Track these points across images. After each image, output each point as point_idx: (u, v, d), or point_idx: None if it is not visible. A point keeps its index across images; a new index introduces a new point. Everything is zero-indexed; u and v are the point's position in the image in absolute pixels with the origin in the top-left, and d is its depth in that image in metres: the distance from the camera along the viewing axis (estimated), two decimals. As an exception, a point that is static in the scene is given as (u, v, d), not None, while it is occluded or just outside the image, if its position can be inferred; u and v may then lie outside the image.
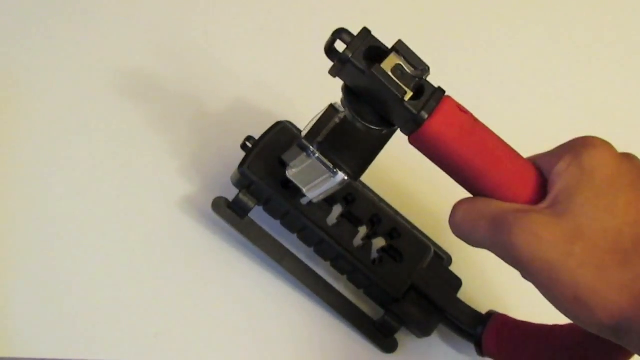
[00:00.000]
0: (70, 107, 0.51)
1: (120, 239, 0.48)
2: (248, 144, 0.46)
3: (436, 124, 0.34)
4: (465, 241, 0.36)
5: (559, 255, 0.31)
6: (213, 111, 0.53)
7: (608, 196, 0.32)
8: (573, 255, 0.31)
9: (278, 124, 0.47)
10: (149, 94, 0.53)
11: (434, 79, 0.35)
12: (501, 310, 0.47)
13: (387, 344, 0.48)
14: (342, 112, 0.39)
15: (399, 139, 0.38)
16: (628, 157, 0.35)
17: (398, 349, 0.48)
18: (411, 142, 0.36)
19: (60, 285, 0.46)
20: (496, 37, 0.61)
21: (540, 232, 0.32)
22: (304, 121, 0.41)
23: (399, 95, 0.34)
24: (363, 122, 0.37)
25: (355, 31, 0.35)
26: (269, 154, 0.45)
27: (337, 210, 0.48)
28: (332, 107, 0.40)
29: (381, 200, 0.50)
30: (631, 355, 0.38)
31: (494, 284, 0.51)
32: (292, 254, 0.48)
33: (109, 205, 0.49)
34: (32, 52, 0.53)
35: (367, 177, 0.50)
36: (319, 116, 0.40)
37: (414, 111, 0.34)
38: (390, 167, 0.51)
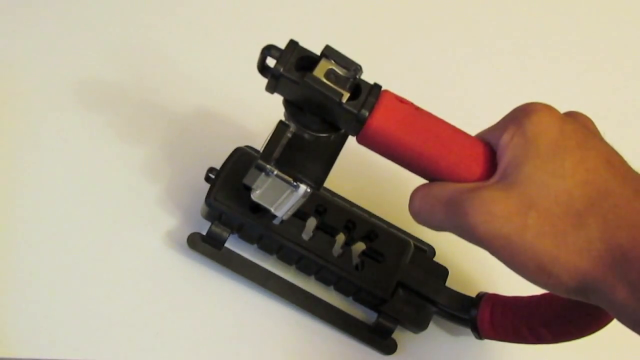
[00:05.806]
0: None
1: (112, 276, 0.48)
2: (211, 175, 0.46)
3: (378, 119, 0.35)
4: (427, 227, 0.36)
5: (514, 229, 0.31)
6: (175, 143, 0.52)
7: (555, 160, 0.32)
8: (528, 226, 0.31)
9: (237, 150, 0.47)
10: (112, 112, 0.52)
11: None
12: (492, 290, 0.47)
13: (386, 345, 0.48)
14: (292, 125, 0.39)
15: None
16: (572, 116, 0.35)
17: (398, 348, 0.48)
18: (359, 141, 0.36)
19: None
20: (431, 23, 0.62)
21: (492, 208, 0.32)
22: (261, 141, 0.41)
23: (336, 98, 0.34)
24: (310, 132, 0.37)
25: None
26: (233, 182, 0.46)
27: (311, 223, 0.48)
28: (281, 123, 0.40)
29: (352, 205, 0.50)
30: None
31: (482, 266, 0.51)
32: (275, 275, 0.48)
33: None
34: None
35: (334, 185, 0.50)
36: (271, 134, 0.40)
37: (354, 111, 0.34)
38: (354, 169, 0.51)
